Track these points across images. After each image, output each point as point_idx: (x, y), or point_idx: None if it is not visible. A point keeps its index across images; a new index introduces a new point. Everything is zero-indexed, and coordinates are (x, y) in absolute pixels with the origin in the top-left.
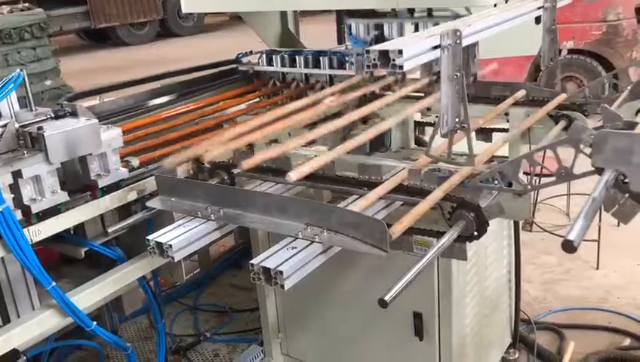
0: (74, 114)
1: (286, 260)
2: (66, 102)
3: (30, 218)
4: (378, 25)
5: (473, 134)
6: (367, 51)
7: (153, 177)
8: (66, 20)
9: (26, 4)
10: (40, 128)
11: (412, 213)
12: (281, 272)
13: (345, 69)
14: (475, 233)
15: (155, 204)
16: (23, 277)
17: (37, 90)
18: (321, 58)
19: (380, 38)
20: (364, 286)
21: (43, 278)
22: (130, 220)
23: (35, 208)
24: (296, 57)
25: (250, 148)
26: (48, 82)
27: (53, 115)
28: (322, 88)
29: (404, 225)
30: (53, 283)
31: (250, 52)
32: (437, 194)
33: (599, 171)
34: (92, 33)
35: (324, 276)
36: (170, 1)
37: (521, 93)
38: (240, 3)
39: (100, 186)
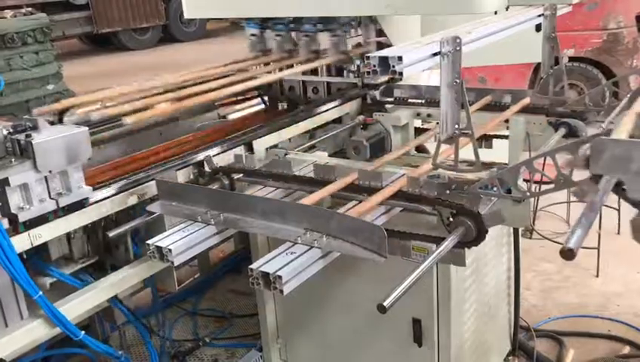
0: (34, 128)
1: (285, 265)
2: (26, 116)
3: (17, 227)
4: None
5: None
6: (367, 57)
7: (154, 181)
8: (69, 25)
9: (29, 9)
10: (28, 136)
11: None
12: (280, 277)
13: None
14: (474, 240)
15: (155, 208)
16: (12, 286)
17: (39, 94)
18: None
19: None
20: (363, 292)
21: (30, 287)
22: (130, 224)
23: (23, 217)
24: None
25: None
26: (50, 87)
27: (11, 130)
28: None
29: None
30: (40, 293)
31: None
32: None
33: (597, 178)
34: (95, 38)
35: (323, 282)
36: (172, 6)
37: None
38: (242, 9)
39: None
